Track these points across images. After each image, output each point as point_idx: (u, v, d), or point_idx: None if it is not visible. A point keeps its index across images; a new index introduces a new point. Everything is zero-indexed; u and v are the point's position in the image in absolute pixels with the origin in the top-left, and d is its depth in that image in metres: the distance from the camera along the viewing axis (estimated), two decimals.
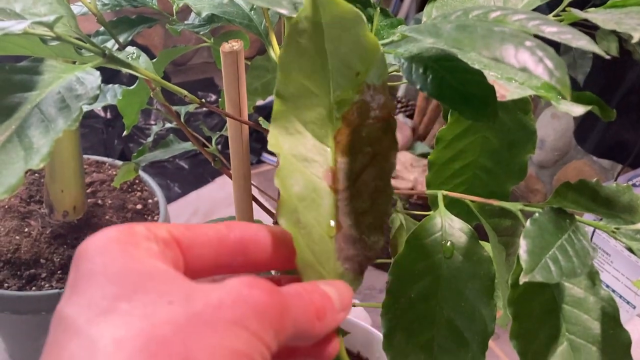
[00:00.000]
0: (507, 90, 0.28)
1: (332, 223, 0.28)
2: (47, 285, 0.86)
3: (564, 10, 0.35)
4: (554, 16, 0.36)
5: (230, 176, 0.47)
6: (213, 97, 1.68)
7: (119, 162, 1.08)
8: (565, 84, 0.20)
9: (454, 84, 0.26)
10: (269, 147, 0.27)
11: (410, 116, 1.33)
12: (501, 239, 0.42)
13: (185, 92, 0.38)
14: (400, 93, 1.49)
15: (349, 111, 0.27)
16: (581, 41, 0.23)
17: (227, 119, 0.43)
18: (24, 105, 0.29)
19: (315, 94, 0.27)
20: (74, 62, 0.40)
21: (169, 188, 1.45)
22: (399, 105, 1.35)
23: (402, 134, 1.23)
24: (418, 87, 0.27)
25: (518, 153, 0.40)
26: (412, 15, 1.67)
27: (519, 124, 0.39)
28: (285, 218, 0.27)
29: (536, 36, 0.24)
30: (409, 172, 1.17)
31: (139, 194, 1.04)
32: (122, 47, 0.45)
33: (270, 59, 0.56)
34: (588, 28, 0.61)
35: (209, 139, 0.70)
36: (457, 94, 0.26)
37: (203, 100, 0.80)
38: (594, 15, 0.30)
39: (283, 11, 0.28)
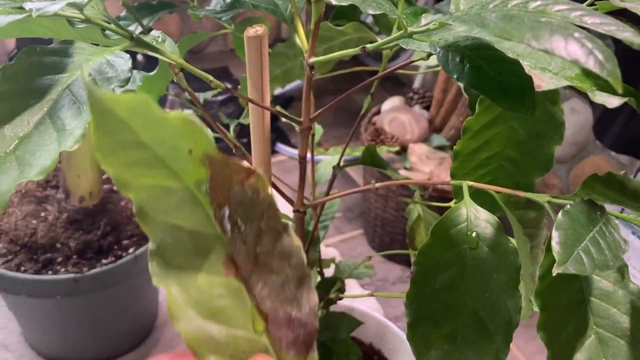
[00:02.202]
0: (542, 80, 0.28)
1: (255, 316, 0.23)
2: (62, 269, 0.87)
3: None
4: (588, 4, 0.35)
5: (250, 163, 0.47)
6: (228, 86, 1.68)
7: None
8: (616, 76, 0.19)
9: (491, 73, 0.26)
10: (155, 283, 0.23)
11: (427, 108, 1.32)
12: (526, 230, 0.42)
13: (210, 77, 0.38)
14: (416, 84, 1.48)
15: (209, 189, 0.23)
16: (626, 33, 0.23)
17: (250, 104, 0.43)
18: (55, 87, 0.29)
19: (169, 187, 0.23)
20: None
21: None
22: (416, 97, 1.35)
23: (419, 125, 1.23)
24: (455, 77, 0.27)
25: (545, 144, 0.40)
26: (430, 4, 1.66)
27: (547, 114, 0.38)
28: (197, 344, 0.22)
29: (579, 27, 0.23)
30: (424, 164, 1.16)
31: None
32: (146, 32, 0.45)
33: (293, 45, 0.56)
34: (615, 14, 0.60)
35: (226, 126, 0.70)
36: (495, 84, 0.26)
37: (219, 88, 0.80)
38: (632, 4, 0.30)
39: None
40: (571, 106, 1.33)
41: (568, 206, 0.29)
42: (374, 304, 1.19)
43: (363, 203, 1.39)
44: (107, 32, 0.34)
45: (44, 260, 0.88)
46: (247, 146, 0.46)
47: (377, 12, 0.25)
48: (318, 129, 0.79)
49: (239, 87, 0.64)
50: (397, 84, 1.90)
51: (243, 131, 0.70)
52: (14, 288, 0.85)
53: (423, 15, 0.50)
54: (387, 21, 0.52)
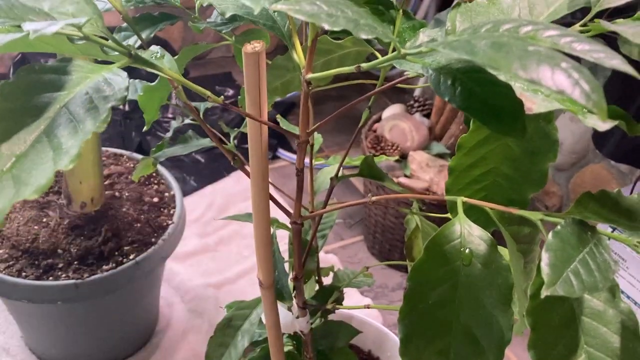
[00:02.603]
0: (533, 103, 0.28)
1: None
2: (63, 275, 0.87)
3: (592, 20, 0.34)
4: (581, 26, 0.36)
5: (248, 175, 0.48)
6: (231, 92, 1.69)
7: (136, 155, 1.09)
8: (602, 107, 0.19)
9: (482, 96, 0.26)
10: None
11: (427, 115, 1.33)
12: (519, 246, 0.42)
13: (208, 93, 0.38)
14: (417, 92, 1.49)
15: None
16: (614, 60, 0.23)
17: (247, 119, 0.43)
18: (53, 105, 0.29)
19: None
20: (96, 60, 0.40)
21: (185, 181, 1.46)
22: (416, 105, 1.35)
23: (419, 133, 1.23)
24: (446, 99, 0.27)
25: (539, 161, 0.40)
26: (431, 14, 1.66)
27: (542, 132, 0.39)
28: None
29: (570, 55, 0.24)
30: (424, 172, 1.16)
31: (155, 187, 1.05)
32: (145, 45, 0.46)
33: (292, 58, 0.56)
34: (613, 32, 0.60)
35: (226, 135, 0.70)
36: (486, 108, 0.26)
37: (222, 96, 0.81)
38: (622, 27, 0.30)
39: (247, 2, 0.28)
40: (570, 115, 1.33)
41: (559, 227, 0.30)
42: (373, 311, 1.20)
43: (363, 210, 1.39)
44: (106, 47, 0.35)
45: (45, 265, 0.88)
46: (245, 152, 0.46)
47: (370, 37, 0.26)
48: (317, 138, 0.80)
49: (239, 97, 0.64)
50: (397, 91, 1.90)
51: (244, 137, 0.70)
52: (15, 293, 0.85)
53: (421, 30, 0.50)
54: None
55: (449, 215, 0.67)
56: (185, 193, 1.42)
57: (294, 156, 1.61)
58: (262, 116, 0.42)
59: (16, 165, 0.27)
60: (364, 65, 0.33)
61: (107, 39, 0.34)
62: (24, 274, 0.87)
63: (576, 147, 1.39)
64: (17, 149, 0.27)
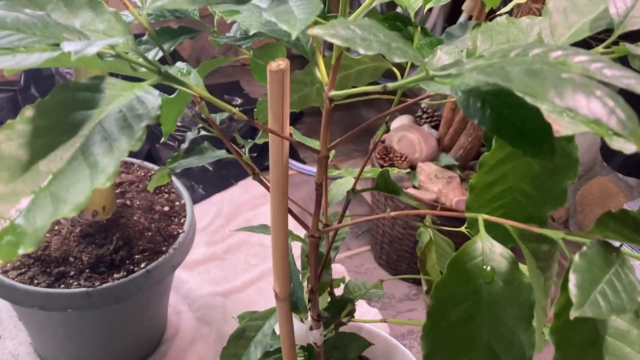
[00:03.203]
0: (560, 126, 0.29)
1: None
2: (75, 283, 0.88)
3: (616, 42, 0.35)
4: (604, 47, 0.36)
5: (268, 189, 0.48)
6: (239, 101, 1.70)
7: (147, 164, 1.10)
8: (637, 134, 0.20)
9: (512, 119, 0.27)
10: None
11: (436, 127, 1.33)
12: (539, 263, 0.42)
13: (234, 110, 0.39)
14: (425, 102, 1.49)
15: None
16: None
17: (270, 134, 0.44)
18: (88, 123, 0.30)
19: None
20: (118, 76, 0.41)
21: (194, 189, 1.46)
22: (425, 116, 1.35)
23: (428, 144, 1.23)
24: (476, 121, 0.27)
25: (559, 179, 0.40)
26: (439, 24, 1.67)
27: (562, 151, 0.39)
28: None
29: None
30: (433, 183, 1.17)
31: (166, 195, 1.05)
32: (169, 60, 0.46)
33: (309, 72, 0.57)
34: None
35: (239, 145, 0.71)
36: (515, 130, 0.27)
37: (238, 108, 0.81)
38: None
39: (284, 27, 0.28)
40: None
41: (585, 248, 0.30)
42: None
43: (371, 220, 1.39)
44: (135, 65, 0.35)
45: (56, 273, 0.89)
46: (255, 160, 0.47)
47: (403, 60, 0.26)
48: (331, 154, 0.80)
49: (255, 110, 0.65)
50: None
51: (254, 146, 0.71)
52: (27, 301, 0.85)
53: (438, 47, 0.51)
54: None
55: (462, 229, 0.67)
56: (194, 201, 1.43)
57: (303, 166, 1.61)
58: (284, 132, 0.43)
59: (54, 182, 0.27)
60: (390, 85, 0.34)
61: (137, 57, 0.34)
62: (35, 281, 0.87)
63: (584, 159, 1.40)
64: (54, 167, 0.28)
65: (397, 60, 0.26)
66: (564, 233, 0.36)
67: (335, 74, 0.40)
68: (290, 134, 0.82)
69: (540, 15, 1.00)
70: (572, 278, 0.28)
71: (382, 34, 0.28)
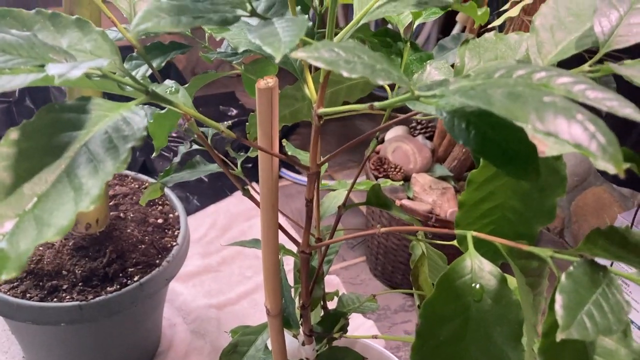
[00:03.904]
0: (546, 146, 0.29)
1: None
2: (67, 297, 0.87)
3: (600, 61, 0.35)
4: (590, 66, 0.36)
5: (258, 205, 0.48)
6: (234, 112, 1.70)
7: (141, 176, 1.10)
8: (618, 160, 0.20)
9: (496, 140, 0.27)
10: None
11: (430, 138, 1.33)
12: (528, 279, 0.42)
13: (222, 128, 0.39)
14: (419, 114, 1.49)
15: None
16: (627, 109, 0.24)
17: (259, 151, 0.44)
18: (73, 145, 0.30)
19: None
20: (104, 95, 0.41)
21: (188, 201, 1.46)
22: (419, 127, 1.36)
23: (422, 155, 1.23)
24: (461, 142, 0.27)
25: (548, 196, 0.40)
26: (433, 35, 1.68)
27: (551, 168, 0.39)
28: None
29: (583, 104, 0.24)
30: (427, 194, 1.17)
31: (160, 207, 1.05)
32: (158, 77, 0.46)
33: (300, 88, 0.57)
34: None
35: (232, 157, 0.71)
36: (500, 152, 0.27)
37: (229, 123, 0.81)
38: (632, 71, 0.31)
39: (269, 50, 0.28)
40: None
41: (571, 268, 0.30)
42: (376, 333, 1.19)
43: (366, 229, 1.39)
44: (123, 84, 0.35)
45: (49, 287, 0.88)
46: (250, 171, 0.47)
47: (387, 82, 0.26)
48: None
49: (247, 124, 0.65)
50: (400, 112, 1.91)
51: (247, 157, 0.71)
52: (20, 315, 0.85)
53: (428, 62, 0.51)
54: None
55: (455, 242, 0.67)
56: (189, 212, 1.43)
57: (297, 176, 1.61)
58: (274, 149, 0.43)
59: (38, 205, 0.27)
60: (377, 104, 0.34)
61: (124, 76, 0.34)
62: (28, 295, 0.87)
63: (578, 170, 1.40)
64: (39, 189, 0.28)
65: (381, 82, 0.26)
66: (552, 251, 0.36)
67: (323, 92, 0.40)
68: (283, 146, 0.82)
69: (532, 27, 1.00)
70: (559, 299, 0.28)
71: (367, 55, 0.28)
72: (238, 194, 1.51)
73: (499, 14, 0.92)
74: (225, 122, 0.69)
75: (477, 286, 0.37)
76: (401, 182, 0.83)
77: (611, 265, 0.33)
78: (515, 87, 0.24)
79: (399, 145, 1.27)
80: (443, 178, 1.23)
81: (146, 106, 0.66)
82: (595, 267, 0.31)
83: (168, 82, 0.41)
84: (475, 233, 0.39)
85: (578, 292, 0.28)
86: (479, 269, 0.37)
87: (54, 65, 0.28)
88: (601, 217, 1.34)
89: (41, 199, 0.27)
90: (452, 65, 0.97)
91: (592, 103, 0.25)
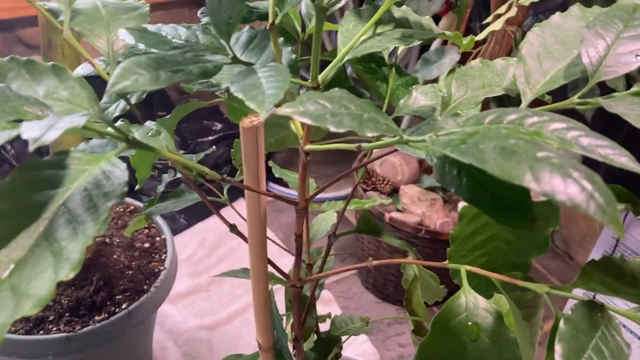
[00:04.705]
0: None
1: None
2: (54, 328, 0.86)
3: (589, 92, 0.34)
4: (578, 97, 0.36)
5: (246, 240, 0.47)
6: (219, 126, 1.68)
7: (127, 199, 1.08)
8: (617, 221, 0.19)
9: (489, 187, 0.26)
10: None
11: None
12: (524, 310, 0.41)
13: (206, 170, 0.38)
14: (404, 125, 1.49)
15: None
16: (622, 158, 0.23)
17: (245, 190, 0.43)
18: (51, 204, 0.28)
19: None
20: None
21: (175, 220, 1.44)
22: None
23: (409, 166, 1.23)
24: (453, 190, 0.27)
25: (542, 227, 0.40)
26: (415, 47, 1.67)
27: (544, 200, 0.38)
28: None
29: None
30: (416, 206, 1.16)
31: (146, 231, 1.04)
32: (138, 117, 0.45)
33: (285, 117, 0.56)
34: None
35: (219, 187, 0.69)
36: (494, 200, 0.26)
37: (214, 132, 0.80)
38: (622, 109, 0.30)
39: (252, 106, 0.27)
40: None
41: (570, 312, 0.29)
42: (370, 348, 1.19)
43: (356, 243, 1.38)
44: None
45: (35, 319, 0.86)
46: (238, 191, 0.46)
47: (375, 134, 0.25)
48: (311, 183, 0.79)
49: (232, 150, 0.64)
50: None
51: (233, 171, 0.70)
52: (5, 349, 0.83)
53: (414, 87, 0.50)
54: (379, 92, 0.53)
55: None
56: (176, 231, 1.41)
57: (286, 189, 1.60)
58: (260, 187, 0.42)
59: (15, 273, 0.26)
60: (365, 145, 0.33)
61: (105, 126, 0.33)
62: (13, 328, 0.85)
63: None
64: (16, 255, 0.27)
65: (369, 134, 0.26)
66: (548, 287, 0.35)
67: (310, 129, 0.39)
68: (270, 168, 0.81)
69: (515, 37, 0.99)
70: (558, 349, 0.27)
71: (354, 104, 0.27)
72: (226, 210, 1.50)
73: (482, 27, 0.92)
74: (208, 152, 0.68)
75: (473, 324, 0.36)
76: (389, 201, 0.83)
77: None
78: (507, 140, 0.23)
79: (386, 158, 1.26)
80: (431, 189, 1.22)
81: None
82: (593, 307, 0.31)
83: (149, 123, 0.40)
84: (469, 267, 0.38)
85: (577, 338, 0.28)
86: (474, 306, 0.36)
87: (28, 125, 0.27)
88: (590, 221, 1.34)
89: (18, 266, 0.26)
90: (437, 79, 0.96)
91: (585, 152, 0.24)
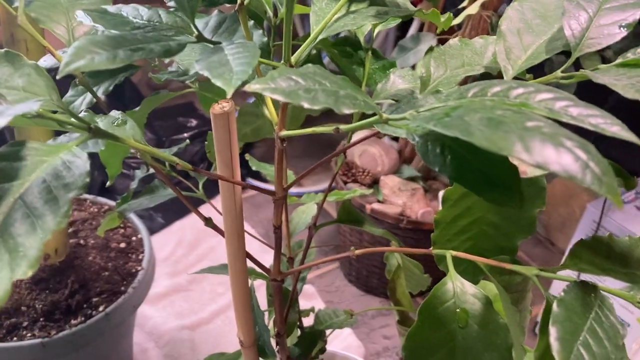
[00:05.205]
0: (527, 166, 0.27)
1: None
2: (29, 334, 0.83)
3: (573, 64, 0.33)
4: (562, 72, 0.34)
5: (222, 234, 0.45)
6: (194, 122, 1.65)
7: (100, 199, 1.05)
8: (615, 191, 0.18)
9: (475, 164, 0.25)
10: None
11: (396, 139, 1.32)
12: (512, 295, 0.40)
13: (177, 160, 0.36)
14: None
15: None
16: (614, 127, 0.22)
17: (219, 181, 0.41)
18: (6, 198, 0.26)
19: None
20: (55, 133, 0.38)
21: (152, 218, 1.41)
22: None
23: (389, 157, 1.22)
24: (437, 169, 0.25)
25: (527, 208, 0.39)
26: (392, 33, 1.67)
27: (529, 179, 0.37)
28: None
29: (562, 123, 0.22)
30: (397, 196, 1.15)
31: (122, 231, 1.01)
32: (103, 106, 0.43)
33: (260, 104, 0.54)
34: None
35: (195, 182, 0.67)
36: (480, 177, 0.25)
37: (189, 129, 0.78)
38: (609, 79, 0.29)
39: (219, 83, 0.25)
40: None
41: (562, 294, 0.28)
42: (355, 341, 1.17)
43: (338, 236, 1.37)
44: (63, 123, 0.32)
45: (8, 325, 0.83)
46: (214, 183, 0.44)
47: (353, 111, 0.24)
48: (290, 175, 0.77)
49: (206, 142, 0.62)
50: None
51: (209, 167, 0.68)
52: None
53: (391, 71, 0.49)
54: (356, 76, 0.51)
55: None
56: (153, 230, 1.38)
57: (265, 184, 1.58)
58: (235, 177, 0.40)
59: None
60: (342, 127, 0.31)
61: (65, 114, 0.31)
62: None
63: None
64: None
65: (346, 111, 0.24)
66: (537, 269, 0.34)
67: (285, 113, 0.38)
68: (246, 160, 0.79)
69: (491, 22, 0.98)
70: (553, 331, 0.26)
71: (328, 81, 0.26)
72: (204, 207, 1.47)
73: (458, 12, 0.91)
74: (181, 145, 0.66)
75: (461, 311, 0.34)
76: (370, 191, 0.81)
77: None
78: (493, 111, 0.22)
79: (365, 149, 1.25)
80: (412, 179, 1.21)
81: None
82: (586, 288, 0.29)
83: (114, 113, 0.38)
84: (454, 253, 0.37)
85: (571, 320, 0.27)
86: (461, 292, 0.35)
87: None
88: (570, 206, 1.35)
89: None
90: (414, 67, 0.95)
91: (575, 121, 0.23)
